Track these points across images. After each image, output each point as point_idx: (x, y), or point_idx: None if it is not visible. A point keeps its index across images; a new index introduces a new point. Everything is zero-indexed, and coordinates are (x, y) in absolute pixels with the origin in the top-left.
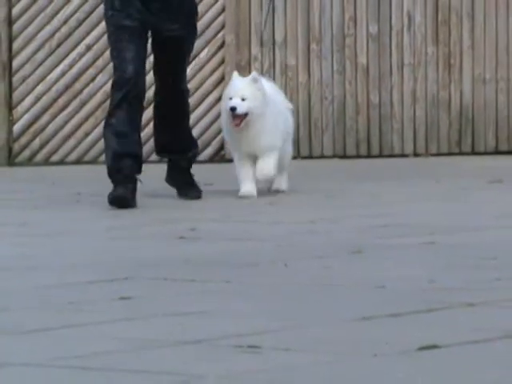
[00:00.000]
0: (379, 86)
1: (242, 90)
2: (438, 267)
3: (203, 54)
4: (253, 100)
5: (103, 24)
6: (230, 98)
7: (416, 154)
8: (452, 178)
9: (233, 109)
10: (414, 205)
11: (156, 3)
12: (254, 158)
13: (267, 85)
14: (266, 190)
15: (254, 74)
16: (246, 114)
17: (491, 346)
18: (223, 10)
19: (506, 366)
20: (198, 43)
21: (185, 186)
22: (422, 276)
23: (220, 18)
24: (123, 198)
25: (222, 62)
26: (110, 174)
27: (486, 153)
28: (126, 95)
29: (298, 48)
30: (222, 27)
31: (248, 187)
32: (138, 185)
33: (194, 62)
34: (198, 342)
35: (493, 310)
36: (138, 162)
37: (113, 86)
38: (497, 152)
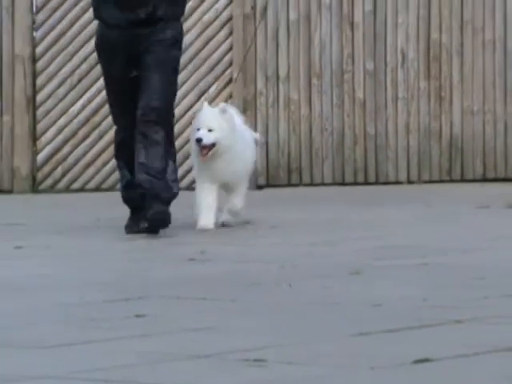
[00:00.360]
0: (375, 119)
1: (209, 121)
2: (431, 286)
3: (212, 90)
4: (220, 131)
5: None
6: (198, 129)
7: (410, 182)
8: (443, 203)
9: (199, 140)
10: (408, 228)
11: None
12: (221, 186)
13: (235, 115)
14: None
15: (222, 104)
16: (213, 145)
17: (480, 360)
18: (231, 48)
19: (493, 378)
20: (206, 79)
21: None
22: (415, 295)
23: (228, 56)
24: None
25: (230, 96)
26: (125, 202)
27: (474, 180)
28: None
29: (300, 83)
30: (230, 64)
31: (207, 220)
32: None
33: (203, 97)
34: (208, 356)
35: (481, 326)
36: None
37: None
38: (484, 179)
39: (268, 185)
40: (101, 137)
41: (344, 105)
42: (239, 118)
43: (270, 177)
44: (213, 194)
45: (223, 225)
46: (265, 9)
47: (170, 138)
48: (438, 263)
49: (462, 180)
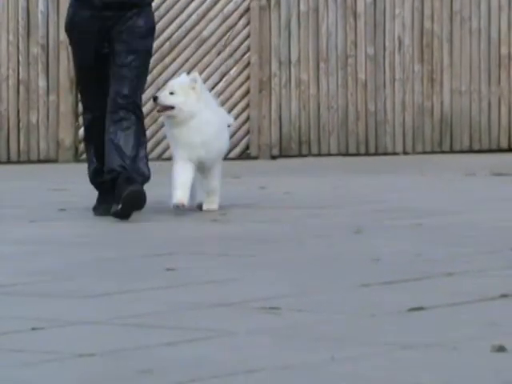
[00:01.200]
0: (375, 97)
1: (173, 85)
2: (424, 243)
3: (232, 71)
4: (181, 96)
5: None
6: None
7: (405, 153)
8: (435, 171)
9: (154, 98)
10: (403, 193)
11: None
12: (196, 165)
13: (211, 98)
14: (195, 207)
15: (195, 74)
16: (171, 108)
17: (468, 308)
18: (248, 35)
19: (480, 324)
20: (227, 63)
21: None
22: (411, 251)
23: (246, 43)
24: (140, 193)
25: (248, 78)
26: (94, 185)
27: (461, 151)
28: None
29: (309, 66)
30: (248, 49)
31: (181, 196)
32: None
33: (224, 79)
34: (229, 305)
35: (469, 279)
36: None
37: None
38: (471, 150)
39: (281, 155)
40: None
41: (348, 85)
42: (214, 99)
43: (282, 148)
44: (188, 171)
45: (200, 208)
46: (278, 1)
47: (141, 126)
48: (431, 223)
49: (452, 151)
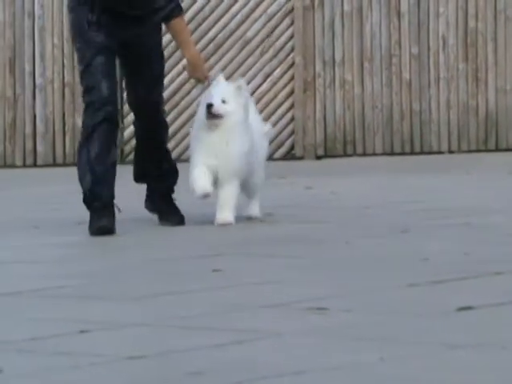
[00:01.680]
0: (420, 97)
1: (224, 93)
2: (472, 243)
3: (276, 72)
4: (232, 104)
5: None
6: (210, 98)
7: (450, 151)
8: (480, 170)
9: (210, 105)
10: (449, 192)
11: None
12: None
13: (253, 106)
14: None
15: (241, 81)
16: (222, 117)
17: None
18: (292, 36)
19: None
20: (272, 63)
21: (166, 210)
22: (458, 250)
23: (290, 43)
24: (108, 230)
25: (292, 78)
26: (88, 202)
27: (507, 149)
28: (105, 117)
29: (353, 66)
30: (292, 50)
31: (202, 183)
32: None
33: (268, 79)
34: (276, 306)
35: None
36: (113, 188)
37: (88, 106)
38: None
39: (326, 155)
40: (179, 114)
41: (392, 85)
42: (253, 106)
43: (327, 148)
44: (205, 169)
45: (250, 218)
46: (322, 1)
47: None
48: (478, 222)
49: (497, 150)
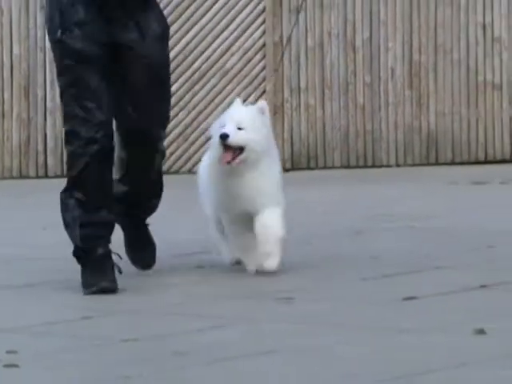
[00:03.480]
0: (372, 118)
1: (241, 118)
2: (416, 243)
3: (250, 98)
4: (253, 132)
5: None
6: (222, 127)
7: (398, 165)
8: (423, 180)
9: (224, 136)
10: (397, 200)
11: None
12: (248, 217)
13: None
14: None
15: (263, 103)
16: (240, 149)
17: (453, 297)
18: (264, 67)
19: (464, 310)
20: (247, 90)
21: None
22: (404, 249)
23: (262, 73)
24: (111, 290)
25: None
26: (79, 256)
27: (445, 163)
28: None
29: (316, 92)
30: (264, 79)
31: (252, 258)
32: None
33: (244, 104)
34: (249, 297)
35: (454, 272)
36: (112, 230)
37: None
38: (453, 163)
39: (293, 168)
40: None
41: (349, 108)
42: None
43: (294, 162)
44: (245, 226)
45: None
46: (289, 38)
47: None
48: (422, 226)
49: (437, 163)
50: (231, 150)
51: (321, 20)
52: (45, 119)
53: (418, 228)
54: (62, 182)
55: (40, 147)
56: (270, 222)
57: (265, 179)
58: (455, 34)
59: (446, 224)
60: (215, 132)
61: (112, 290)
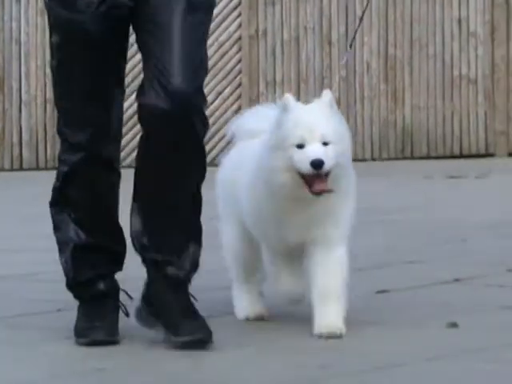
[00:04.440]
0: (347, 112)
1: (324, 130)
2: (390, 236)
3: (226, 91)
4: (340, 143)
5: None
6: (300, 146)
7: (373, 159)
8: (398, 175)
9: (318, 165)
10: (373, 194)
11: None
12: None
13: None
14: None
15: (328, 93)
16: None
17: (426, 290)
18: (240, 60)
19: (436, 303)
20: (222, 83)
21: (179, 315)
22: (376, 243)
23: (238, 66)
24: (107, 343)
25: (239, 96)
26: (73, 288)
27: (421, 157)
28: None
29: (291, 86)
30: (240, 72)
31: (296, 285)
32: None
33: (219, 97)
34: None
35: (427, 265)
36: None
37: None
38: (428, 157)
39: None
40: None
41: None
42: None
43: None
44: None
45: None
46: (265, 31)
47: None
48: (395, 219)
49: (412, 158)
50: (324, 176)
51: (297, 13)
52: (20, 111)
53: (393, 222)
54: (37, 175)
55: (15, 139)
56: (334, 267)
57: (342, 202)
58: (431, 28)
59: (420, 218)
60: (282, 154)
61: (108, 343)
